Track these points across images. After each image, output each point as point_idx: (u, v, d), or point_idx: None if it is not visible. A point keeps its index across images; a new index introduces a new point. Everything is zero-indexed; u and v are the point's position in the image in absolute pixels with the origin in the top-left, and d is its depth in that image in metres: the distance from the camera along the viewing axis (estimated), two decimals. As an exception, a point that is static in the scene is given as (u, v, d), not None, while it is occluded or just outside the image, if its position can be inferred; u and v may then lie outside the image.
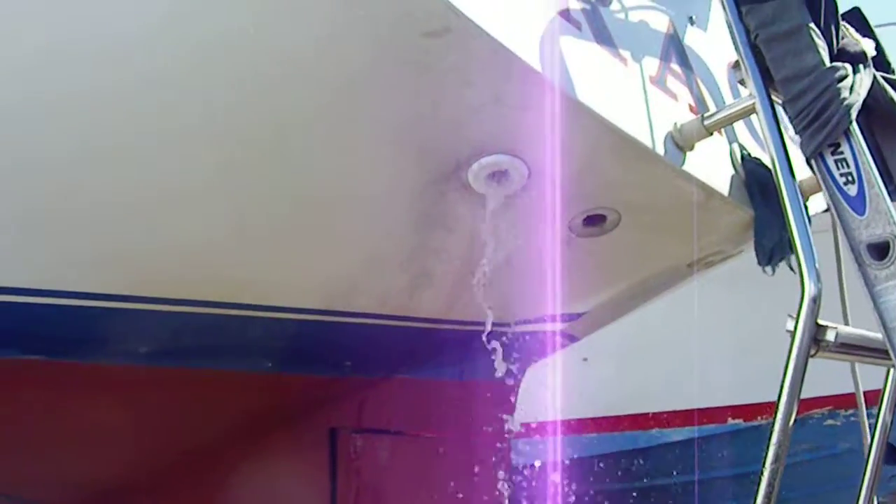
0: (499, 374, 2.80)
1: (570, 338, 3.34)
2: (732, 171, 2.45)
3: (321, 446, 3.20)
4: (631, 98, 2.22)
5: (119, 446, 3.26)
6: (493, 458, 2.93)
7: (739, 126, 2.55)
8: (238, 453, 3.30)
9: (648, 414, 6.76)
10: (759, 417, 6.17)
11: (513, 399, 2.90)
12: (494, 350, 2.79)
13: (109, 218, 2.42)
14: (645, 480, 6.50)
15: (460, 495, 2.94)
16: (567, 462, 7.31)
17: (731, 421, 6.19)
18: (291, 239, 2.48)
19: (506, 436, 2.93)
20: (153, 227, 2.43)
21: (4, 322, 2.75)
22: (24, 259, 2.63)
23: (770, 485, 2.04)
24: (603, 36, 2.22)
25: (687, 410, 6.36)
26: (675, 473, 6.22)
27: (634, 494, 6.43)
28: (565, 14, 2.14)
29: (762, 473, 2.05)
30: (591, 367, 7.83)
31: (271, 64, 2.01)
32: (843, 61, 2.19)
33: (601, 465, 6.29)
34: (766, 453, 2.04)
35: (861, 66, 2.23)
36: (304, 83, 2.06)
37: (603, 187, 2.33)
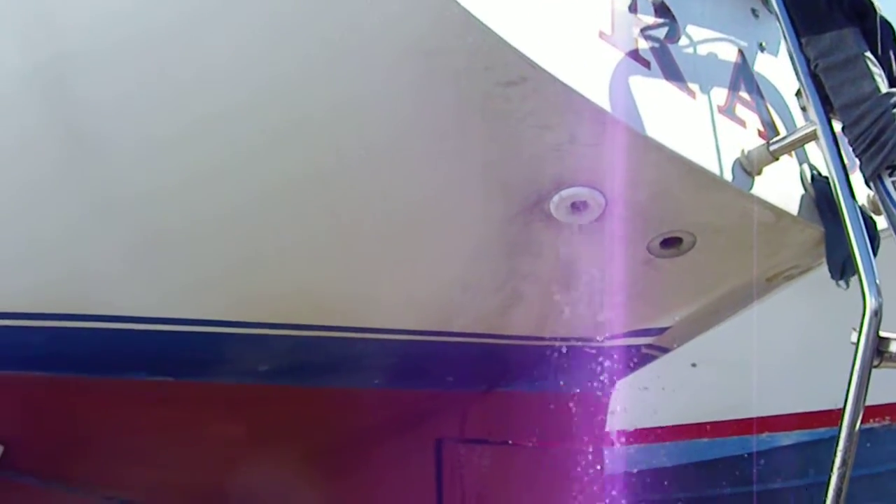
0: (590, 386, 3.03)
1: (661, 349, 3.55)
2: (803, 191, 2.63)
3: (427, 456, 3.46)
4: (699, 128, 2.43)
5: (237, 459, 3.59)
6: (590, 466, 3.15)
7: (811, 146, 2.72)
8: (348, 464, 3.59)
9: (758, 418, 6.85)
10: (871, 420, 6.21)
11: (605, 409, 3.12)
12: (585, 364, 3.02)
13: (232, 252, 2.74)
14: (755, 485, 6.58)
15: (557, 501, 3.17)
16: (674, 467, 7.52)
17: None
18: (394, 269, 2.77)
19: (598, 445, 3.15)
20: (270, 262, 2.73)
21: (134, 347, 3.10)
22: (151, 290, 2.97)
23: (837, 491, 2.23)
24: (671, 71, 2.43)
25: (797, 414, 6.45)
26: (786, 477, 6.30)
27: (745, 500, 6.53)
28: (634, 54, 2.36)
29: (829, 479, 2.24)
30: (699, 373, 7.96)
31: (371, 126, 2.30)
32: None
33: (710, 470, 6.43)
34: (834, 460, 2.23)
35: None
36: (398, 132, 2.34)
37: (676, 213, 2.54)
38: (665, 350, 3.61)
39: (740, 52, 2.69)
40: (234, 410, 3.31)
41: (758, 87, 2.69)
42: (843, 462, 2.23)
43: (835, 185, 2.31)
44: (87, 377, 3.18)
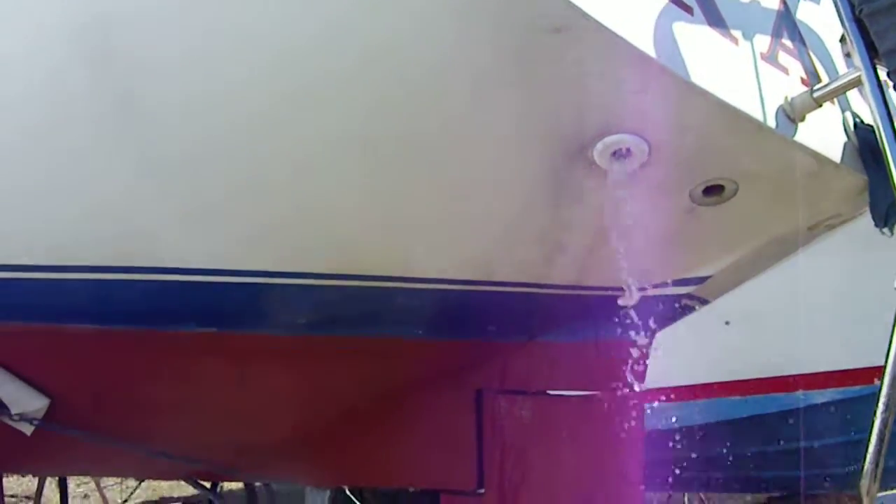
0: (630, 336, 3.07)
1: (701, 301, 3.59)
2: (846, 139, 2.66)
3: (468, 407, 3.52)
4: (742, 75, 2.45)
5: (281, 409, 3.68)
6: (627, 418, 3.21)
7: (854, 94, 2.74)
8: (389, 414, 3.67)
9: (793, 375, 6.89)
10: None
11: (645, 360, 3.17)
12: (626, 313, 3.07)
13: (277, 205, 2.80)
14: (790, 443, 6.63)
15: (598, 452, 3.24)
16: (707, 424, 7.58)
17: (877, 382, 6.26)
18: (436, 219, 2.82)
19: (639, 397, 3.21)
20: (315, 214, 2.79)
21: (181, 299, 3.17)
22: (198, 243, 3.04)
23: (880, 436, 2.28)
24: (714, 18, 2.45)
25: (832, 372, 6.48)
26: (824, 435, 6.35)
27: (778, 457, 6.58)
28: (677, 1, 2.39)
29: (872, 424, 2.29)
30: (732, 330, 8.01)
31: (411, 72, 2.34)
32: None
33: (744, 427, 6.48)
34: (876, 406, 2.28)
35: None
36: (439, 79, 2.38)
37: (719, 160, 2.57)
38: (705, 301, 3.65)
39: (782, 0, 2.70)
40: (279, 361, 3.39)
41: (800, 34, 2.71)
42: (886, 407, 2.28)
43: (879, 131, 2.33)
44: (135, 329, 3.26)
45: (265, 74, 2.55)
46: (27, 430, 3.76)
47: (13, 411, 3.68)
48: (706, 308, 3.59)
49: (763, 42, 2.57)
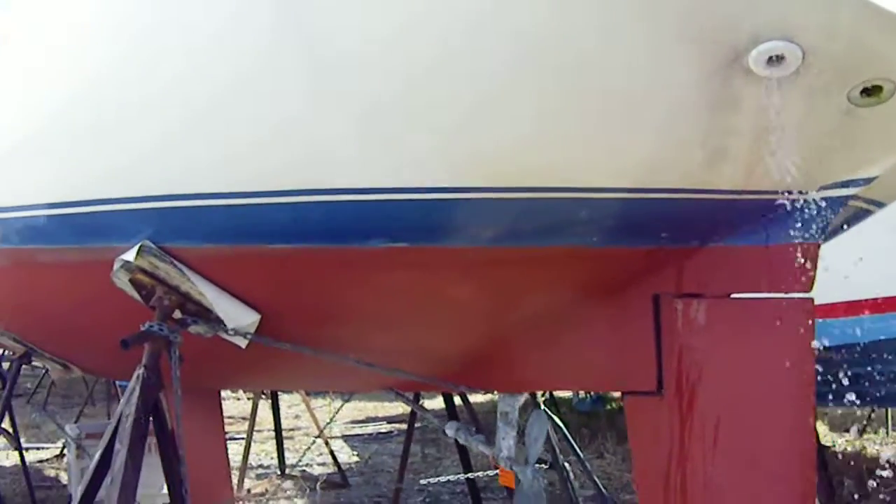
0: (797, 238, 3.23)
1: (876, 203, 3.69)
2: None
3: (646, 311, 3.74)
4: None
5: (468, 318, 3.99)
6: (797, 320, 3.37)
7: None
8: (571, 321, 3.93)
9: None
10: None
11: (814, 263, 3.32)
12: (791, 216, 3.23)
13: (457, 121, 3.08)
14: None
15: (767, 353, 3.42)
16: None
17: None
18: (602, 130, 3.05)
19: (807, 302, 3.36)
20: (495, 129, 3.06)
21: (372, 217, 3.49)
22: (382, 163, 3.35)
23: None
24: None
25: None
26: None
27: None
28: None
29: None
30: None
31: None
32: None
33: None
34: None
35: None
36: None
37: (874, 61, 2.68)
38: (880, 204, 3.74)
39: None
40: (465, 272, 3.67)
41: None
42: None
43: None
44: (332, 246, 3.62)
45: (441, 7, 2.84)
46: (242, 343, 4.20)
47: (229, 326, 4.14)
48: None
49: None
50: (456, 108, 3.03)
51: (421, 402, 7.54)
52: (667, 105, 2.90)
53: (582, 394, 15.72)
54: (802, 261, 3.29)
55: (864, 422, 13.68)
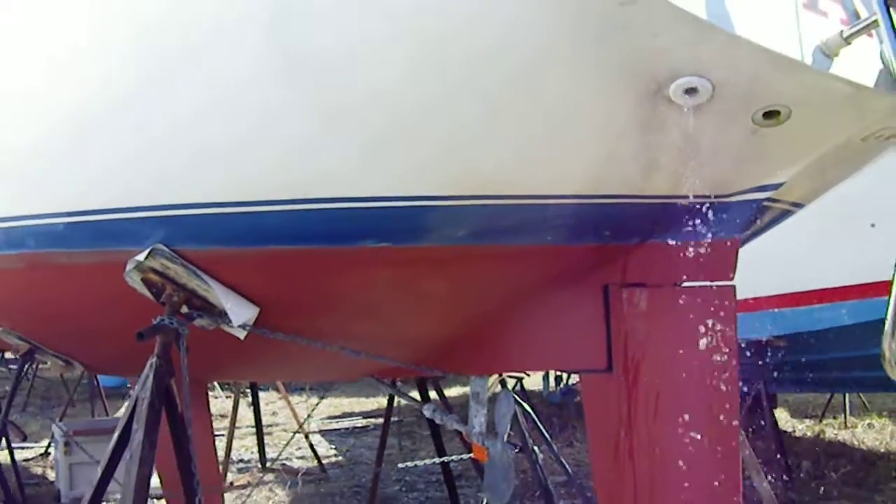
0: (720, 235, 3.90)
1: (796, 205, 4.39)
2: (881, 66, 3.39)
3: (597, 299, 4.39)
4: (784, 23, 3.23)
5: (441, 308, 4.64)
6: (721, 309, 4.04)
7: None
8: (533, 310, 4.58)
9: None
10: None
11: (735, 258, 4.00)
12: (716, 216, 3.90)
13: (436, 145, 3.72)
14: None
15: (695, 337, 4.08)
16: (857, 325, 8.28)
17: None
18: (557, 149, 3.70)
19: (729, 291, 4.03)
20: (467, 150, 3.72)
21: (361, 221, 4.08)
22: (373, 176, 3.96)
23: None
24: (762, -20, 3.24)
25: None
26: None
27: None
28: None
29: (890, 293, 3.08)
30: (879, 233, 8.65)
31: (533, 35, 3.27)
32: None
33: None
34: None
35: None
36: (551, 42, 3.28)
37: (771, 91, 3.35)
38: (799, 205, 4.44)
39: None
40: (439, 268, 4.29)
41: (843, -19, 3.44)
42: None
43: (891, 63, 3.09)
44: (324, 247, 4.24)
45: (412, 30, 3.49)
46: (241, 334, 4.82)
47: (234, 322, 4.76)
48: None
49: (807, -7, 3.33)
50: (435, 135, 3.67)
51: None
52: (606, 127, 3.56)
53: (552, 386, 16.41)
54: (725, 253, 3.97)
55: (823, 409, 14.44)
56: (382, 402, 11.83)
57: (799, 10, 3.26)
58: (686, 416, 4.13)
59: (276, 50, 3.80)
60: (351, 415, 18.25)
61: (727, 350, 4.02)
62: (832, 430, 14.33)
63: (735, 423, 4.09)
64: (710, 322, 4.04)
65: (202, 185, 4.29)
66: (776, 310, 10.45)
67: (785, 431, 13.83)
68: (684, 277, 4.09)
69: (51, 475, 12.93)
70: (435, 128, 3.69)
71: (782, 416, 15.11)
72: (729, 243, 3.94)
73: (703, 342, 4.05)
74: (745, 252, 4.14)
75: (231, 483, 12.09)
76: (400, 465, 11.23)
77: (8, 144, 5.34)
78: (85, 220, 4.89)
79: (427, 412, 6.05)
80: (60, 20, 4.76)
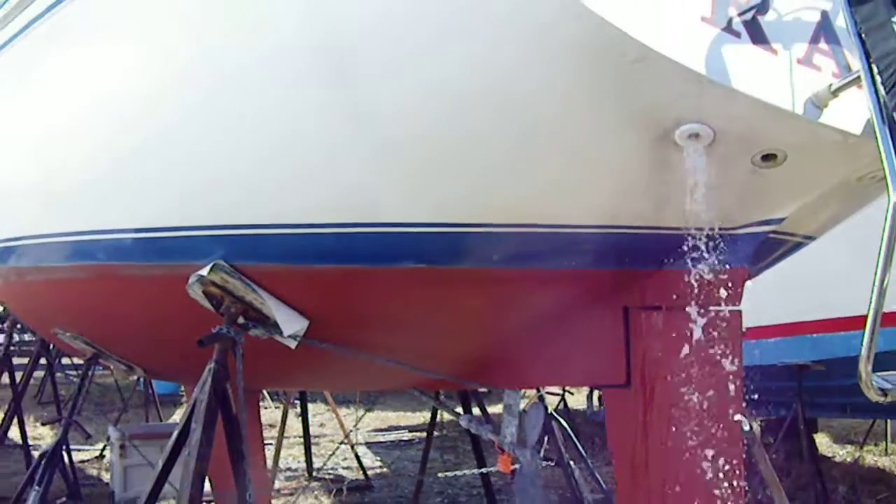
0: (728, 265, 4.33)
1: (806, 237, 4.81)
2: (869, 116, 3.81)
3: (618, 320, 4.83)
4: (779, 76, 3.65)
5: (475, 325, 5.11)
6: (728, 332, 4.47)
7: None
8: (560, 328, 5.04)
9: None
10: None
11: (742, 285, 4.42)
12: (725, 247, 4.32)
13: (474, 179, 4.23)
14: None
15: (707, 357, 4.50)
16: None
17: None
18: (580, 185, 4.18)
19: (737, 316, 4.46)
20: (506, 185, 4.22)
21: (401, 244, 4.61)
22: (412, 203, 4.48)
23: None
24: (758, 37, 3.63)
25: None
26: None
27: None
28: (728, 29, 3.62)
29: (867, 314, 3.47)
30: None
31: (559, 89, 3.78)
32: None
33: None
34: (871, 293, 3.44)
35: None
36: (572, 95, 3.77)
37: (768, 137, 3.77)
38: (810, 238, 4.86)
39: (823, 12, 3.85)
40: (476, 288, 4.76)
41: (836, 37, 3.85)
42: (878, 304, 3.46)
43: (872, 116, 3.51)
44: (368, 266, 4.75)
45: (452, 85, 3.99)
46: (292, 344, 5.32)
47: (285, 332, 5.27)
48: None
49: (801, 49, 3.75)
50: (471, 171, 4.17)
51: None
52: (621, 167, 4.02)
53: (596, 405, 16.77)
54: (733, 281, 4.40)
55: (864, 435, 14.63)
56: (428, 416, 12.30)
57: (793, 65, 3.69)
58: (695, 429, 4.55)
59: (335, 99, 4.31)
60: (397, 428, 18.72)
61: (733, 369, 4.44)
62: (872, 457, 14.55)
63: (737, 434, 4.51)
64: (717, 342, 4.47)
65: (261, 208, 4.82)
66: (815, 335, 10.74)
67: (825, 456, 14.08)
68: (695, 302, 4.50)
69: (105, 477, 13.52)
70: (471, 165, 4.18)
71: (824, 442, 15.35)
72: (736, 272, 4.36)
73: (711, 360, 4.48)
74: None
75: (278, 490, 12.61)
76: (440, 475, 11.69)
77: (83, 165, 5.91)
78: (152, 236, 5.44)
79: (464, 423, 6.52)
80: (138, 59, 5.32)
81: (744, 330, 6.37)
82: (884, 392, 3.55)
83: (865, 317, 3.49)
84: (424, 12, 3.86)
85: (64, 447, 10.46)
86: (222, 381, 5.17)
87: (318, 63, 4.30)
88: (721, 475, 4.47)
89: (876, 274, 3.43)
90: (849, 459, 14.29)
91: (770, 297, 4.30)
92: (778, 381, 10.76)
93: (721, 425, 4.51)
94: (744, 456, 4.68)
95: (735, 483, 4.49)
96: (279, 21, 4.39)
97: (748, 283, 5.17)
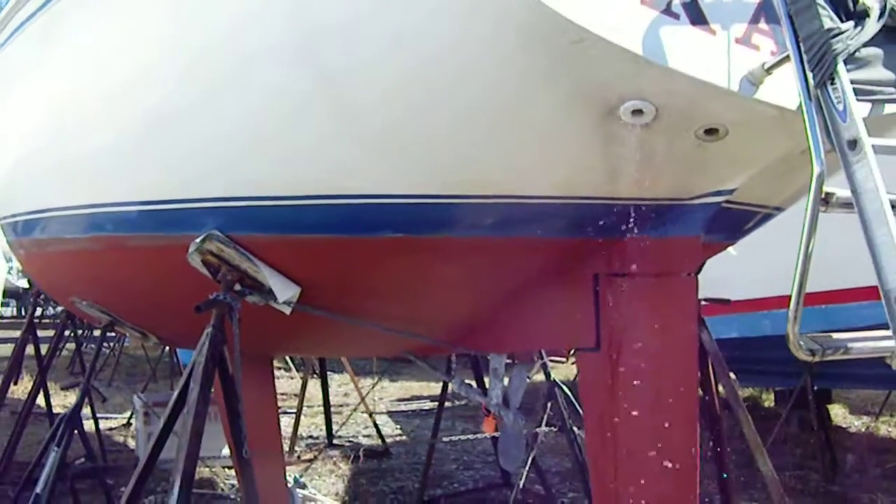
0: (683, 233, 4.62)
1: (776, 209, 5.10)
2: (806, 91, 4.07)
3: (588, 286, 5.12)
4: (716, 56, 3.91)
5: (452, 292, 5.44)
6: (686, 298, 4.77)
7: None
8: (537, 293, 5.34)
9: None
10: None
11: (697, 249, 4.72)
12: (682, 216, 4.62)
13: (444, 153, 4.53)
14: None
15: (670, 322, 4.80)
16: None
17: None
18: (538, 159, 4.47)
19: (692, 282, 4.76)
20: (473, 159, 4.52)
21: (381, 215, 4.93)
22: (389, 176, 4.80)
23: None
24: (697, 19, 3.90)
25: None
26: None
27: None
28: (667, 10, 3.88)
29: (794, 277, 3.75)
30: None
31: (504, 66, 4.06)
32: (851, 19, 3.79)
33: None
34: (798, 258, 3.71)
35: (865, 21, 3.79)
36: (517, 73, 4.06)
37: (708, 113, 4.05)
38: (779, 209, 5.15)
39: None
40: (452, 256, 5.06)
41: (777, 18, 4.09)
42: (803, 270, 3.74)
43: (799, 93, 3.78)
44: (351, 236, 5.09)
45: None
46: (287, 310, 5.65)
47: (279, 298, 5.61)
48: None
49: (740, 29, 4.01)
50: (445, 145, 4.47)
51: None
52: (573, 141, 4.31)
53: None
54: (689, 249, 4.70)
55: (880, 406, 14.82)
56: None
57: (731, 44, 3.96)
58: (657, 388, 4.86)
59: (318, 90, 4.63)
60: (419, 398, 19.12)
61: (690, 332, 4.75)
62: (887, 428, 14.74)
63: (694, 391, 4.82)
64: (676, 307, 4.78)
65: (250, 181, 5.17)
66: (825, 306, 10.94)
67: (839, 427, 14.31)
68: (656, 268, 4.80)
69: (131, 443, 14.04)
70: (438, 140, 4.49)
71: (839, 413, 15.56)
72: (690, 241, 4.65)
73: (670, 323, 4.79)
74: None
75: (298, 456, 13.04)
76: (452, 439, 12.07)
77: (91, 142, 6.29)
78: (153, 208, 5.82)
79: (455, 386, 6.85)
80: (139, 40, 5.67)
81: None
82: (811, 352, 3.82)
83: (792, 281, 3.76)
84: None
85: (91, 416, 10.92)
86: (219, 345, 5.51)
87: (301, 53, 4.63)
88: (678, 430, 4.78)
89: (801, 240, 3.68)
90: (863, 430, 14.50)
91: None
92: (789, 352, 11.01)
93: (677, 383, 4.82)
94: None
95: (690, 436, 4.81)
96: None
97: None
